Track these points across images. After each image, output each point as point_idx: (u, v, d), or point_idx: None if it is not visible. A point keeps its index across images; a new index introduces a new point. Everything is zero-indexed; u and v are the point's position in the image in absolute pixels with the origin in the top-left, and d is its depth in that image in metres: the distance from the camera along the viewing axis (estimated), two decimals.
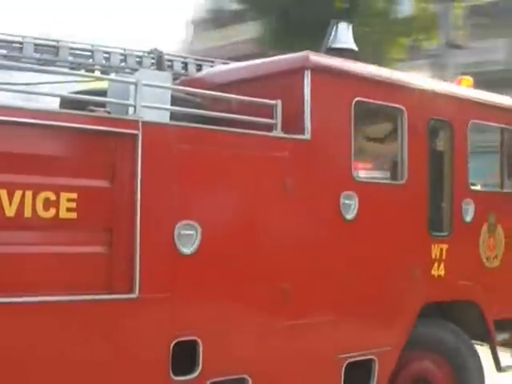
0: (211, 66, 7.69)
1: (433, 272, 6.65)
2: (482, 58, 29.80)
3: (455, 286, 6.81)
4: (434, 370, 6.73)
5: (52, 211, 4.66)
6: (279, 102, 5.71)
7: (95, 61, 7.10)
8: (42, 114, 4.66)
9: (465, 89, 7.31)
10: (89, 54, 7.15)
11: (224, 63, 7.70)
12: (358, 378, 6.12)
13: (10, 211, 4.52)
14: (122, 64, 7.23)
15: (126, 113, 5.17)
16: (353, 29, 6.64)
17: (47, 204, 4.63)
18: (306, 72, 5.86)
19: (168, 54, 7.52)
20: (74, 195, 4.74)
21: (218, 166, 5.36)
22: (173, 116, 5.42)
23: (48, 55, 6.91)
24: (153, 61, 7.36)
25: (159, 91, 5.30)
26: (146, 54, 7.40)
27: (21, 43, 6.69)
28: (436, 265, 6.67)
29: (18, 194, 4.54)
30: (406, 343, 6.42)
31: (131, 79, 5.18)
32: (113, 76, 5.43)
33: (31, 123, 4.60)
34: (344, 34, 6.51)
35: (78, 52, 7.10)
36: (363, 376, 6.18)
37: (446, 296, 6.76)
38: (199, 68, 7.70)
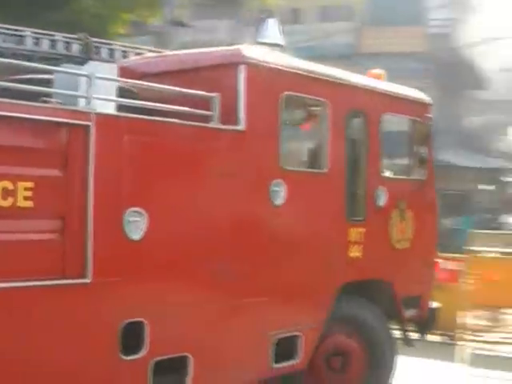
0: (137, 54, 7.88)
1: (350, 254, 7.13)
2: (206, 36, 30.81)
3: (370, 267, 7.32)
4: (351, 343, 7.26)
5: (10, 200, 4.81)
6: (217, 95, 6.02)
7: (25, 46, 7.16)
8: (5, 105, 4.79)
9: (378, 82, 7.80)
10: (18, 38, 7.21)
11: (152, 51, 7.90)
12: (286, 352, 6.56)
13: None
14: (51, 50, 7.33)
15: (75, 104, 5.36)
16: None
17: (6, 193, 4.79)
18: (240, 66, 6.19)
19: (95, 41, 7.65)
20: (31, 184, 4.91)
21: (163, 156, 5.63)
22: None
23: None
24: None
25: (107, 83, 5.50)
26: (73, 40, 7.51)
27: None
28: (353, 247, 7.16)
29: None
30: (326, 320, 6.91)
31: (83, 72, 5.36)
32: (64, 68, 5.55)
33: None
34: (272, 29, 6.87)
35: (7, 37, 7.16)
36: (291, 350, 6.63)
37: (362, 276, 7.27)
38: (125, 55, 7.86)
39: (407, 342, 8.10)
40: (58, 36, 7.42)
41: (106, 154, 5.24)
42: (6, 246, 4.83)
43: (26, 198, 4.88)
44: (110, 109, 5.49)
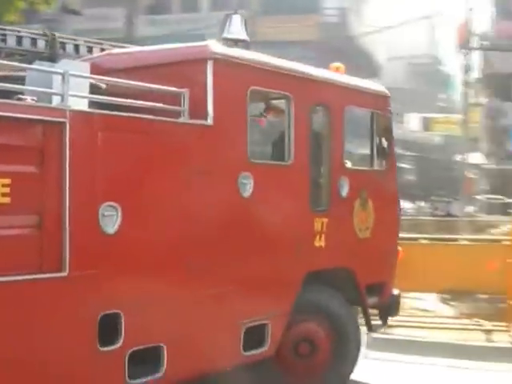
0: (101, 49, 7.97)
1: (315, 243, 7.33)
2: (100, 25, 31.12)
3: (334, 256, 7.53)
4: (317, 331, 7.47)
5: None
6: (187, 91, 6.16)
7: None
8: None
9: (340, 75, 8.00)
10: None
11: (116, 46, 8.00)
12: (255, 340, 6.75)
13: None
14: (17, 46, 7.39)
15: (49, 101, 5.46)
16: None
17: None
18: (208, 62, 6.33)
19: (60, 36, 7.73)
20: (8, 181, 5.01)
21: (135, 151, 5.76)
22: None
23: None
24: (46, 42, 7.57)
25: (80, 80, 5.61)
26: (39, 36, 7.57)
27: None
28: (317, 237, 7.36)
29: None
30: (293, 308, 7.11)
31: (58, 70, 5.46)
32: (37, 65, 5.66)
33: None
34: (237, 25, 6.99)
35: None
36: (260, 338, 6.82)
37: (327, 265, 7.47)
38: (90, 50, 7.95)
39: (370, 328, 8.35)
40: (24, 32, 7.47)
41: (81, 150, 5.35)
42: None
43: (3, 195, 4.98)
44: (83, 105, 5.61)
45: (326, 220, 7.43)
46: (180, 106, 6.18)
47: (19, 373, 5.06)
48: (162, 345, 5.90)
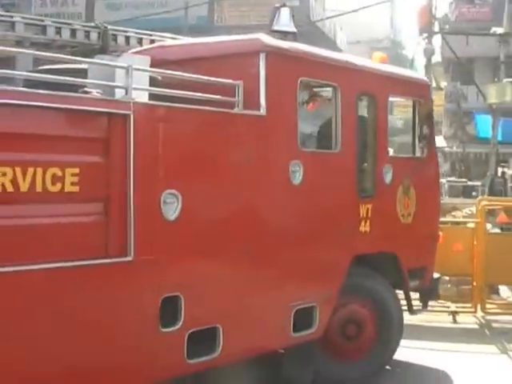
0: (151, 41, 8.21)
1: (361, 229, 7.56)
2: (60, 9, 31.25)
3: (378, 241, 7.75)
4: (363, 313, 7.72)
5: (59, 185, 5.16)
6: (241, 82, 6.39)
7: (47, 35, 7.48)
8: (51, 97, 5.13)
9: (384, 65, 8.19)
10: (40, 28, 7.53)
11: (165, 38, 8.24)
12: (304, 321, 7.00)
13: (24, 187, 5.00)
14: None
15: (112, 94, 5.71)
16: None
17: (55, 179, 5.14)
18: (261, 55, 6.55)
19: (112, 29, 7.98)
20: (76, 170, 5.27)
21: (194, 141, 6.00)
22: None
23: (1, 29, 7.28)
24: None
25: (141, 73, 5.86)
26: (91, 29, 7.84)
27: None
28: (363, 222, 7.58)
29: (30, 170, 5.03)
30: (340, 291, 7.35)
31: (123, 64, 5.70)
32: (100, 59, 5.91)
33: (41, 106, 5.09)
34: (286, 18, 7.21)
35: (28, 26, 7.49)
36: (308, 320, 7.07)
37: (372, 249, 7.70)
38: (139, 41, 8.20)
39: (411, 310, 8.58)
40: (78, 25, 7.73)
41: (144, 140, 5.59)
42: (55, 229, 5.20)
43: (72, 183, 5.23)
44: (144, 98, 5.85)
45: (371, 206, 7.64)
46: (234, 97, 6.41)
47: (86, 353, 5.32)
48: (218, 326, 6.15)
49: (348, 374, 7.65)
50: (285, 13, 7.19)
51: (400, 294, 8.33)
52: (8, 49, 6.59)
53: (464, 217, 13.58)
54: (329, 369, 7.57)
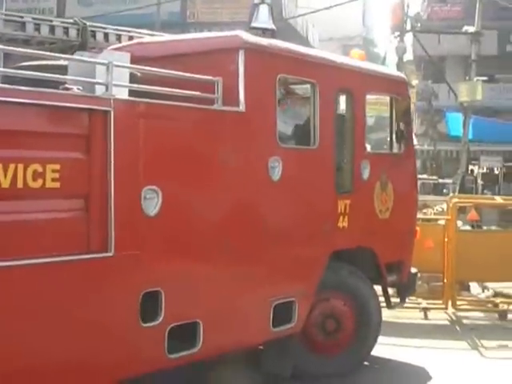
0: (129, 37, 8.23)
1: (339, 224, 7.63)
2: (32, 5, 31.64)
3: (356, 236, 7.83)
4: (342, 308, 7.80)
5: (39, 181, 5.18)
6: (220, 79, 6.43)
7: (26, 32, 7.48)
8: (31, 94, 5.15)
9: (361, 62, 8.27)
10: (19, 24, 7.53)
11: (144, 34, 8.26)
12: (283, 316, 7.06)
13: (5, 183, 5.01)
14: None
15: (92, 90, 5.74)
16: None
17: (36, 175, 5.15)
18: (240, 51, 6.60)
19: (91, 25, 7.99)
20: (57, 166, 5.29)
21: (174, 138, 6.03)
22: None
23: None
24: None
25: (121, 70, 5.88)
26: (70, 25, 7.84)
27: None
28: (341, 218, 7.65)
29: (11, 167, 5.04)
30: (319, 286, 7.42)
31: (103, 60, 5.73)
32: (80, 56, 5.94)
33: (21, 103, 5.10)
34: (264, 15, 7.28)
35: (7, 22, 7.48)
36: (287, 315, 7.13)
37: (351, 244, 7.78)
38: (118, 38, 8.21)
39: (389, 305, 8.67)
40: (57, 22, 7.73)
41: (124, 137, 5.62)
42: (35, 225, 5.23)
43: (52, 180, 5.25)
44: (124, 94, 5.88)
45: (349, 202, 7.71)
46: (214, 93, 6.45)
47: (66, 347, 5.35)
48: (198, 321, 6.20)
49: (326, 369, 7.73)
50: (263, 10, 7.26)
51: (378, 288, 8.41)
52: None
53: (435, 214, 13.71)
54: (307, 363, 7.64)
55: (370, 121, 8.42)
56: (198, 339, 6.22)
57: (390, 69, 8.90)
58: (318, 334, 7.70)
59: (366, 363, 8.31)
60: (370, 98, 8.29)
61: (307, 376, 7.63)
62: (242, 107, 6.57)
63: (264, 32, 7.14)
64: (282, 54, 7.00)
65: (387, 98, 8.62)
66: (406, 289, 8.91)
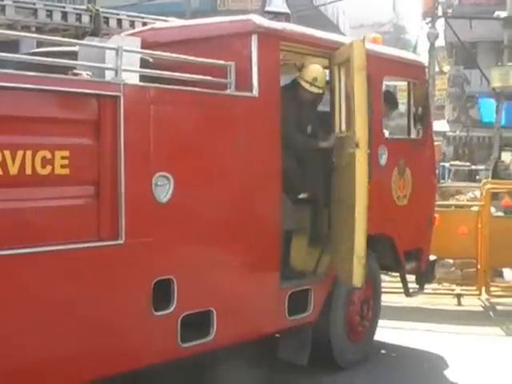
0: (143, 24, 8.14)
1: None
2: None
3: (374, 223, 7.67)
4: (370, 292, 7.83)
5: (48, 168, 5.12)
6: (233, 64, 6.33)
7: (38, 19, 7.42)
8: (40, 79, 5.07)
9: (378, 46, 8.12)
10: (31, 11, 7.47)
11: (157, 20, 8.17)
12: (299, 304, 6.98)
13: (14, 170, 4.95)
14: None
15: (102, 76, 5.65)
16: None
17: (44, 162, 5.09)
18: (253, 36, 6.49)
19: (104, 12, 7.91)
20: (66, 153, 5.22)
21: (186, 123, 5.96)
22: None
23: None
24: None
25: (132, 55, 5.80)
26: (83, 12, 7.77)
27: None
28: None
29: (19, 153, 4.98)
30: None
31: (112, 45, 5.65)
32: (91, 41, 5.86)
33: (30, 88, 5.03)
34: None
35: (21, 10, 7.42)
36: (304, 303, 7.05)
37: (370, 231, 7.64)
38: (132, 24, 8.13)
39: (407, 293, 8.56)
40: (69, 8, 7.66)
41: (135, 122, 5.54)
42: (45, 212, 5.16)
43: (62, 166, 5.18)
44: (134, 79, 5.80)
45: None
46: (226, 78, 6.35)
47: (76, 336, 5.27)
48: (211, 309, 6.12)
49: (356, 356, 7.69)
50: None
51: (396, 276, 8.31)
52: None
53: (468, 200, 13.58)
54: (345, 352, 7.57)
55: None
56: (211, 328, 6.14)
57: (410, 53, 8.63)
58: (358, 321, 7.67)
59: (398, 349, 8.24)
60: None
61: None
62: (255, 92, 6.46)
63: (276, 16, 7.00)
64: (294, 38, 6.88)
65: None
66: (424, 276, 8.78)
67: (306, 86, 7.21)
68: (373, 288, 7.83)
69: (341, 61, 7.03)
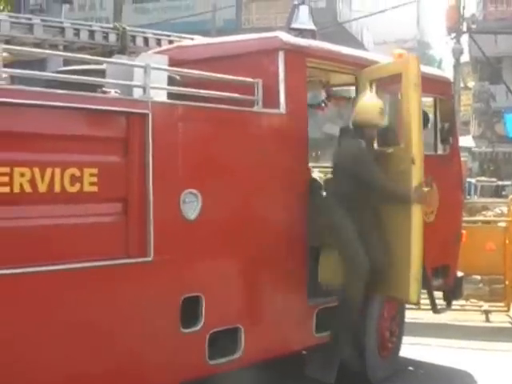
0: (169, 42, 8.19)
1: None
2: (88, 14, 31.99)
3: None
4: (396, 307, 7.76)
5: (77, 186, 5.13)
6: (260, 80, 6.35)
7: (65, 37, 7.48)
8: (69, 97, 5.11)
9: None
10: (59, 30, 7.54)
11: (183, 38, 8.21)
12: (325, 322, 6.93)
13: (43, 187, 4.98)
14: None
15: (130, 93, 5.68)
16: None
17: (73, 179, 5.12)
18: (280, 52, 6.51)
19: (131, 30, 7.97)
20: (95, 170, 5.24)
21: (213, 140, 5.96)
22: None
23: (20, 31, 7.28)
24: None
25: (159, 72, 5.83)
26: (110, 30, 7.83)
27: None
28: None
29: (48, 171, 5.01)
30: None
31: (140, 63, 5.68)
32: (119, 59, 5.90)
33: (59, 106, 5.07)
34: (304, 15, 7.18)
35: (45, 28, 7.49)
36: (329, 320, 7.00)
37: None
38: (158, 42, 8.18)
39: (435, 309, 8.48)
40: (96, 26, 7.72)
41: (163, 140, 5.56)
42: (73, 229, 5.18)
43: (90, 184, 5.20)
44: (162, 97, 5.82)
45: None
46: (253, 95, 6.36)
47: (104, 354, 5.29)
48: (239, 326, 6.10)
49: (385, 372, 7.58)
50: (304, 10, 7.17)
51: (424, 293, 8.22)
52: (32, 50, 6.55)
53: (495, 216, 13.47)
54: (376, 368, 7.47)
55: None
56: (239, 345, 6.12)
57: (435, 69, 8.61)
58: (388, 337, 7.62)
59: (426, 366, 8.15)
60: None
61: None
62: (282, 109, 6.47)
63: (301, 33, 7.01)
64: (321, 55, 6.89)
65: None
66: (452, 293, 8.70)
67: (379, 120, 6.87)
68: (399, 304, 7.75)
69: (376, 77, 6.99)
